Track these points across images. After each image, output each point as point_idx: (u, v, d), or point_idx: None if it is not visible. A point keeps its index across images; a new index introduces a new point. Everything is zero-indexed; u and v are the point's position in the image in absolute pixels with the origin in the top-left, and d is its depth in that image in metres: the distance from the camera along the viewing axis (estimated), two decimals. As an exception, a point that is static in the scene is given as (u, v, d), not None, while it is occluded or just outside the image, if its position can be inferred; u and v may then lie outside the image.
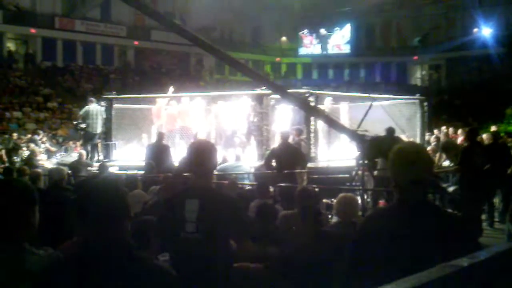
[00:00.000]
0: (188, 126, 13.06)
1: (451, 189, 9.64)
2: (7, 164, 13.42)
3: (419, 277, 1.39)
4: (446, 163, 11.37)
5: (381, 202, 8.30)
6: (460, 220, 3.35)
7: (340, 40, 41.77)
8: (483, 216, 8.61)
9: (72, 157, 13.58)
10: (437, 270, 1.44)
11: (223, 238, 3.06)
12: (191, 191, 3.14)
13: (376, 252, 2.32)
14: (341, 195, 4.60)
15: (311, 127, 10.96)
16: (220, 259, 3.03)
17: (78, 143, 15.89)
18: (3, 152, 14.29)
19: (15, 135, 17.93)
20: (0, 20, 30.04)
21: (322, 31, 42.10)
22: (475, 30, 35.22)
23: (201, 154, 3.16)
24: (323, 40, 42.29)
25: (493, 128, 14.90)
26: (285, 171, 8.37)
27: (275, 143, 10.94)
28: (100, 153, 13.58)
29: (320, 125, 11.24)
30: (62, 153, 16.84)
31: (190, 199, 3.02)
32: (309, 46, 42.85)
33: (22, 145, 16.07)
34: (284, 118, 12.41)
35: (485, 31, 34.16)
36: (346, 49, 41.46)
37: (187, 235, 2.97)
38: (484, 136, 11.15)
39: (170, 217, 3.12)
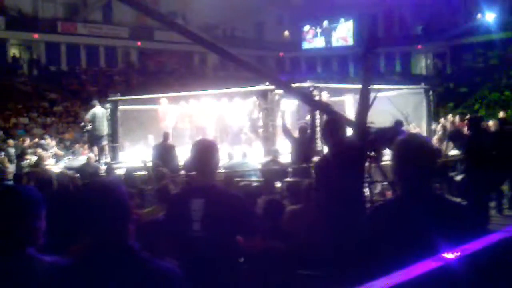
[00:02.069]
0: (198, 125, 13.12)
1: (458, 177, 9.60)
2: (10, 170, 13.51)
3: (410, 271, 1.40)
4: (454, 152, 11.34)
5: (389, 193, 8.28)
6: (466, 209, 3.34)
7: (343, 32, 41.65)
8: (492, 204, 8.58)
9: (80, 160, 13.64)
10: (428, 263, 1.46)
11: (229, 236, 3.08)
12: (196, 191, 3.15)
13: (381, 243, 2.33)
14: None
15: (316, 121, 10.94)
16: (226, 257, 3.05)
17: (86, 146, 15.96)
18: (5, 159, 14.36)
19: (22, 140, 18.01)
20: (3, 26, 30.12)
21: (325, 23, 41.99)
22: (479, 16, 34.95)
23: (205, 153, 3.18)
24: (326, 33, 42.18)
25: (501, 115, 14.80)
26: (302, 165, 8.50)
27: (280, 138, 11.00)
28: (107, 155, 13.63)
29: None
30: (70, 157, 16.91)
31: (195, 198, 3.04)
32: (312, 40, 42.76)
33: (29, 150, 16.15)
34: (289, 113, 12.41)
35: (489, 17, 33.88)
36: (349, 41, 41.30)
37: (193, 234, 3.00)
38: (490, 123, 11.08)
39: (176, 216, 3.15)
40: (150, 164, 9.80)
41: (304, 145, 9.19)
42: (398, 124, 10.06)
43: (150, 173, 8.86)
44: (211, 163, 3.18)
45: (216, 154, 3.22)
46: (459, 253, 1.60)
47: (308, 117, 10.93)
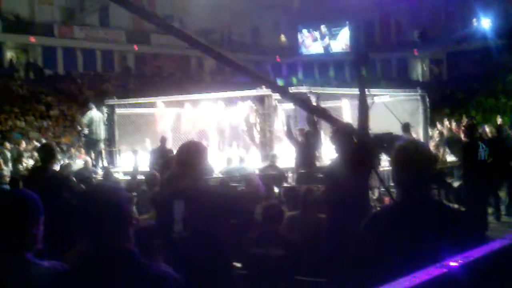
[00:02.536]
0: (201, 128, 13.10)
1: (456, 184, 9.61)
2: (6, 173, 13.47)
3: (411, 279, 1.40)
4: (451, 158, 11.35)
5: (387, 199, 8.27)
6: (465, 215, 3.35)
7: (340, 38, 41.78)
8: (490, 210, 8.59)
9: (77, 164, 13.59)
10: (429, 271, 1.45)
11: (212, 235, 3.09)
12: (179, 192, 3.15)
13: (380, 250, 2.32)
14: None
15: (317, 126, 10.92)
16: (210, 257, 3.04)
17: (82, 150, 15.91)
18: (1, 161, 14.33)
19: (18, 143, 17.94)
20: (0, 29, 30.10)
21: (321, 28, 42.10)
22: (475, 22, 35.11)
23: (188, 154, 3.18)
24: (322, 38, 42.30)
25: (499, 120, 14.85)
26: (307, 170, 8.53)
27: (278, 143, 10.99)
28: (104, 160, 13.59)
29: (323, 124, 11.21)
30: (67, 161, 16.83)
31: (178, 199, 3.05)
32: (309, 45, 42.84)
33: (27, 154, 16.09)
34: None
35: (485, 23, 34.04)
36: (346, 46, 41.44)
37: (176, 235, 3.00)
38: (487, 129, 11.12)
39: (162, 219, 3.15)
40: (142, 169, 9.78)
41: (308, 150, 9.20)
42: (405, 127, 10.18)
43: (134, 178, 8.83)
44: (194, 164, 3.18)
45: (201, 155, 3.21)
46: (459, 260, 1.60)
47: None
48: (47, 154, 5.82)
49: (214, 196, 3.24)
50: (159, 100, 13.78)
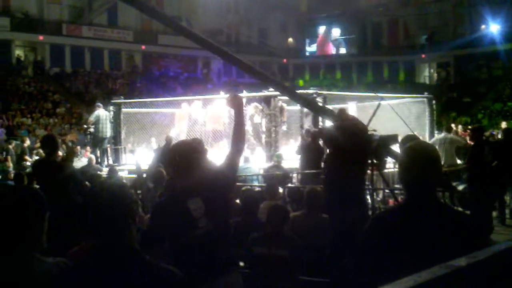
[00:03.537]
0: (215, 128, 13.11)
1: (461, 187, 9.58)
2: (11, 170, 13.55)
3: (415, 278, 1.39)
4: (456, 161, 11.29)
5: (391, 201, 8.26)
6: (470, 219, 3.33)
7: (347, 39, 41.77)
8: (494, 214, 8.55)
9: (82, 162, 13.64)
10: (434, 271, 1.44)
11: (224, 215, 3.20)
12: (187, 192, 3.13)
13: (384, 251, 2.32)
14: None
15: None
16: (228, 239, 3.18)
17: (88, 148, 15.97)
18: (9, 158, 14.44)
19: (27, 140, 18.01)
20: (8, 27, 30.23)
21: (329, 31, 42.08)
22: (483, 26, 34.99)
23: (184, 153, 3.18)
24: (330, 40, 42.27)
25: (504, 125, 14.81)
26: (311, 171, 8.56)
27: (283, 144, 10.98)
28: (109, 158, 13.64)
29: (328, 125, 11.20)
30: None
31: (191, 198, 3.04)
32: (316, 46, 42.83)
33: (34, 151, 16.15)
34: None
35: (493, 28, 33.92)
36: (353, 49, 41.40)
37: (201, 230, 3.00)
38: (495, 132, 11.06)
39: (176, 219, 3.12)
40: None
41: (315, 152, 9.18)
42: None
43: (141, 177, 8.82)
44: (189, 163, 3.18)
45: (192, 153, 3.21)
46: (464, 262, 1.59)
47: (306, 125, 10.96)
48: (50, 145, 5.80)
49: (218, 178, 3.25)
50: (163, 101, 13.82)
